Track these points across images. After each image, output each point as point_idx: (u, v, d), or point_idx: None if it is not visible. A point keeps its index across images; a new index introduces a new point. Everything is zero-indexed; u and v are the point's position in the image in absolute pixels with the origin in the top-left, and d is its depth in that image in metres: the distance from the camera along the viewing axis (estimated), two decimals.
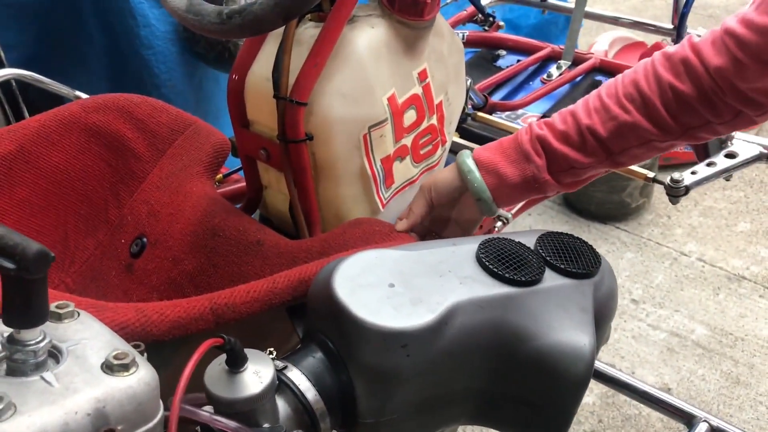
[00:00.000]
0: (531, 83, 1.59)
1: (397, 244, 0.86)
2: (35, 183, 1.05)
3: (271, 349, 0.63)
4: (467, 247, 0.70)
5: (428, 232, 0.94)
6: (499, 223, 1.13)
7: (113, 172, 1.10)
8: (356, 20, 0.96)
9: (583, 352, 0.64)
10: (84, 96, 1.43)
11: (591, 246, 0.73)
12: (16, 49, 1.70)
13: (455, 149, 1.31)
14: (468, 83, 1.30)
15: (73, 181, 1.08)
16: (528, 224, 2.35)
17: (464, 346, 0.64)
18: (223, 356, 0.57)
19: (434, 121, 1.07)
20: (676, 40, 1.57)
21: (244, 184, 1.11)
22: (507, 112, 1.45)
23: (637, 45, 2.55)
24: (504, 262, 0.68)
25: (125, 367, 0.44)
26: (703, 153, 1.20)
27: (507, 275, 0.67)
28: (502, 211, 1.13)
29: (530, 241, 0.73)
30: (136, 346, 0.50)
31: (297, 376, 0.62)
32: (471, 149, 0.89)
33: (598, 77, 1.57)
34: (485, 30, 1.74)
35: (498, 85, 1.57)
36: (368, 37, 0.95)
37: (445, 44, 1.07)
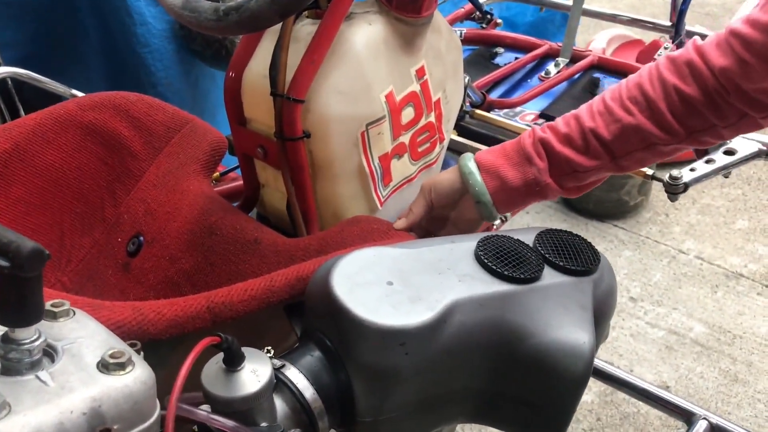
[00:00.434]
0: (529, 81, 1.58)
1: (395, 242, 0.86)
2: (31, 181, 1.04)
3: (269, 347, 0.63)
4: (466, 245, 0.70)
5: (427, 233, 0.94)
6: (497, 221, 1.12)
7: (109, 170, 1.10)
8: (353, 17, 0.95)
9: (582, 350, 0.64)
10: (80, 94, 1.43)
11: (590, 243, 0.73)
12: (13, 47, 1.69)
13: (453, 147, 1.31)
14: (466, 81, 1.30)
15: (69, 180, 1.07)
16: (526, 222, 2.35)
17: (463, 344, 0.63)
18: (220, 355, 0.56)
19: (432, 118, 1.07)
20: (674, 37, 1.57)
21: (241, 182, 1.10)
22: (505, 110, 1.45)
23: (634, 43, 2.54)
24: (503, 259, 0.68)
25: (121, 366, 0.44)
26: (702, 150, 1.20)
27: (506, 273, 0.66)
28: None
29: (529, 239, 0.72)
30: (132, 345, 0.49)
31: (295, 375, 0.61)
32: (473, 150, 0.89)
33: (596, 75, 1.57)
34: (483, 27, 1.74)
35: (496, 83, 1.57)
36: (366, 34, 0.94)
37: (443, 41, 1.07)
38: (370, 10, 0.97)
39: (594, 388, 1.78)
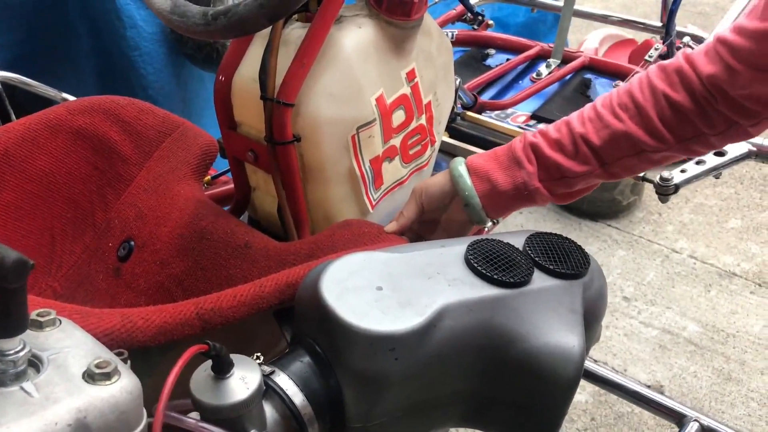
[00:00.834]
0: (520, 82, 1.58)
1: (386, 245, 0.86)
2: (21, 187, 1.04)
3: (258, 353, 0.63)
4: (456, 249, 0.70)
5: (418, 237, 0.94)
6: (489, 223, 1.12)
7: (100, 175, 1.09)
8: (343, 20, 0.95)
9: (572, 354, 0.64)
10: (71, 98, 1.42)
11: (580, 246, 0.73)
12: (3, 50, 1.68)
13: (445, 149, 1.31)
14: (457, 83, 1.30)
15: (59, 185, 1.07)
16: (519, 223, 2.35)
17: (453, 348, 0.63)
18: (209, 362, 0.56)
19: (423, 121, 1.07)
20: (665, 37, 1.57)
21: (232, 185, 1.10)
22: (496, 112, 1.45)
23: (627, 42, 2.54)
24: (492, 263, 0.68)
25: (107, 376, 0.43)
26: None
27: (495, 277, 0.66)
28: None
29: (519, 242, 0.72)
30: (119, 354, 0.49)
31: (284, 381, 0.61)
32: (465, 152, 0.89)
33: (588, 75, 1.57)
34: (474, 29, 1.74)
35: (487, 84, 1.57)
36: (355, 37, 0.94)
37: (434, 44, 1.07)
38: (360, 14, 0.97)
39: (588, 388, 1.78)
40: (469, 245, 0.70)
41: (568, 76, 1.57)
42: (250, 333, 0.75)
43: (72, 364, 0.44)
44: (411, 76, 1.02)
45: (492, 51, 1.69)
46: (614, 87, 1.52)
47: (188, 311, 0.65)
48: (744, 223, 2.33)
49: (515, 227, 2.33)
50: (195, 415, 0.57)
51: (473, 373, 0.66)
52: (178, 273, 0.95)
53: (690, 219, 2.35)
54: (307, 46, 0.90)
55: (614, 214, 2.34)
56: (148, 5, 0.90)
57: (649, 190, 2.37)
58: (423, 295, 0.63)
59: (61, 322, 0.48)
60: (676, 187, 1.11)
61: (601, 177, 0.84)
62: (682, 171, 1.12)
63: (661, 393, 1.78)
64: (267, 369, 0.62)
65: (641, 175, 1.23)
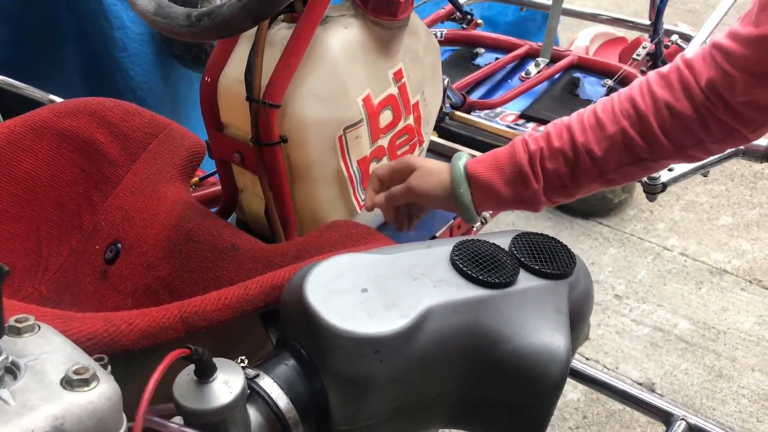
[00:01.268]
0: (509, 81, 1.58)
1: (374, 246, 0.85)
2: (6, 190, 1.03)
3: (243, 357, 0.62)
4: (442, 250, 0.70)
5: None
6: (477, 223, 1.12)
7: (86, 177, 1.09)
8: (329, 21, 0.95)
9: (557, 354, 0.64)
10: (58, 100, 1.41)
11: (566, 246, 0.73)
12: None
13: (434, 149, 1.30)
14: (445, 82, 1.29)
15: (45, 187, 1.06)
16: (511, 221, 2.35)
17: (438, 350, 0.63)
18: (193, 366, 0.56)
19: (411, 121, 1.07)
20: (653, 35, 1.57)
21: (220, 187, 1.10)
22: (485, 111, 1.45)
23: (617, 40, 2.54)
24: (478, 264, 0.67)
25: (85, 382, 0.43)
26: None
27: (481, 277, 0.66)
28: None
29: (505, 243, 0.72)
30: (99, 359, 0.48)
31: (269, 385, 0.61)
32: (452, 152, 0.88)
33: (576, 74, 1.57)
34: (463, 28, 1.73)
35: (476, 84, 1.57)
36: (342, 38, 0.94)
37: (421, 44, 1.07)
38: (346, 14, 0.96)
39: (580, 387, 1.79)
40: (454, 246, 0.69)
41: (556, 75, 1.57)
42: (236, 336, 0.75)
43: (50, 371, 0.44)
44: (398, 76, 1.02)
45: (481, 50, 1.69)
46: (603, 86, 1.53)
47: (172, 315, 0.65)
48: (734, 220, 2.34)
49: (507, 226, 2.33)
50: (178, 419, 0.56)
51: (459, 375, 0.65)
52: (164, 275, 0.94)
53: (681, 216, 2.36)
54: (293, 46, 0.89)
55: (606, 212, 2.34)
56: (132, 7, 0.89)
57: (640, 188, 2.37)
58: (408, 297, 0.63)
59: (40, 328, 0.48)
60: (664, 186, 1.11)
61: (600, 185, 0.84)
62: (670, 170, 1.12)
63: (653, 391, 1.78)
64: (251, 372, 0.61)
65: None
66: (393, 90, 1.01)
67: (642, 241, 2.26)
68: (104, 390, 0.43)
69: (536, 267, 0.69)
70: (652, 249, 2.23)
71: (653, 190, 1.12)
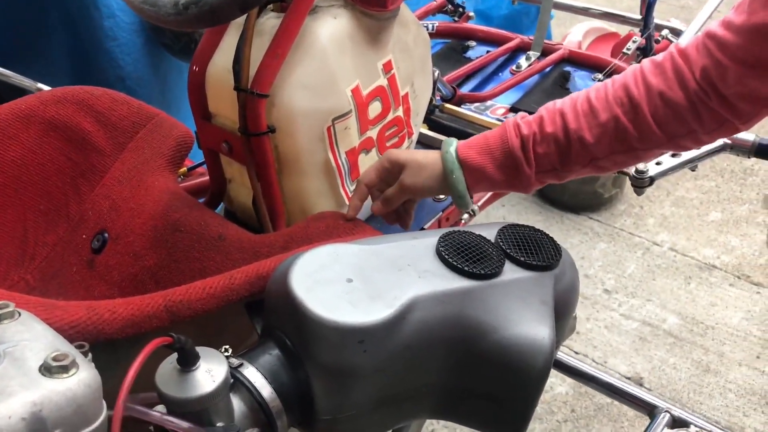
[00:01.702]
0: (500, 74, 1.58)
1: (360, 237, 0.85)
2: None
3: (227, 346, 0.62)
4: (427, 241, 0.70)
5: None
6: (465, 216, 1.12)
7: (73, 166, 1.08)
8: (318, 11, 0.94)
9: (542, 345, 0.64)
10: (47, 88, 1.40)
11: (552, 238, 0.73)
12: None
13: (423, 141, 1.30)
14: (436, 75, 1.29)
15: (31, 176, 1.05)
16: (501, 215, 2.35)
17: (423, 340, 0.63)
18: (176, 354, 0.56)
19: (400, 113, 1.06)
20: (643, 30, 1.58)
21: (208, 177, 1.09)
22: (476, 104, 1.44)
23: (610, 36, 2.54)
24: (463, 255, 0.67)
25: (64, 369, 0.43)
26: None
27: (466, 268, 0.66)
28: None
29: (491, 234, 0.72)
30: (80, 347, 0.48)
31: (253, 374, 0.61)
32: (454, 142, 0.87)
33: (567, 68, 1.56)
34: (455, 21, 1.73)
35: (467, 77, 1.56)
36: (331, 28, 0.93)
37: (411, 35, 1.06)
38: (335, 4, 0.96)
39: (568, 380, 1.79)
40: (440, 237, 0.69)
41: (547, 69, 1.57)
42: (222, 325, 0.75)
43: (29, 357, 0.44)
44: (388, 67, 1.02)
45: (472, 43, 1.69)
46: (593, 80, 1.53)
47: (156, 303, 0.65)
48: (724, 216, 2.34)
49: (497, 219, 2.34)
50: (161, 408, 0.56)
51: (444, 365, 0.66)
52: (151, 265, 0.94)
53: (671, 212, 2.36)
54: (282, 36, 0.89)
55: (596, 206, 2.34)
56: None
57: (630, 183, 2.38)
58: (393, 288, 0.63)
59: (20, 315, 0.48)
60: (651, 180, 1.12)
61: (590, 170, 0.84)
62: (658, 163, 1.12)
63: (640, 385, 1.78)
64: (235, 362, 0.61)
65: None
66: (382, 81, 1.01)
67: (632, 236, 2.27)
68: (83, 377, 0.43)
69: (522, 258, 0.69)
70: (642, 244, 2.24)
71: (641, 184, 1.12)
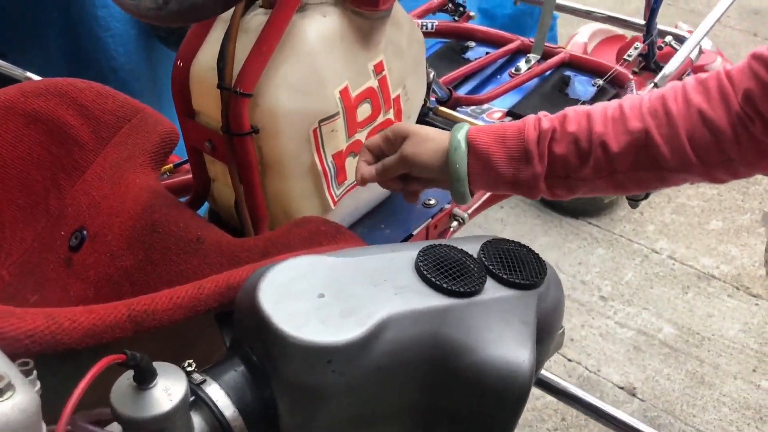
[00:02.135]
0: (499, 77, 1.54)
1: (342, 245, 0.83)
2: None
3: (191, 360, 0.59)
4: (407, 255, 0.67)
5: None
6: (454, 223, 1.09)
7: (54, 160, 1.05)
8: (307, 8, 0.91)
9: (521, 369, 0.61)
10: (36, 78, 1.38)
11: (538, 255, 0.70)
12: None
13: None
14: (431, 76, 1.26)
15: (10, 170, 1.03)
16: (500, 217, 2.32)
17: (397, 361, 0.60)
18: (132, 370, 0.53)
19: (391, 115, 1.03)
20: (646, 36, 1.54)
21: None
22: (472, 107, 1.41)
23: (617, 38, 2.50)
24: (443, 271, 0.64)
25: None
26: None
27: (445, 285, 0.63)
28: (458, 211, 1.09)
29: (474, 249, 0.69)
30: (24, 364, 0.45)
31: (215, 392, 0.58)
32: (467, 125, 0.80)
33: (567, 72, 1.53)
34: (455, 20, 1.70)
35: (465, 78, 1.53)
36: (319, 27, 0.91)
37: (404, 35, 1.03)
38: (325, 2, 0.93)
39: None
40: (420, 251, 0.66)
41: (547, 73, 1.53)
42: (191, 337, 0.72)
43: None
44: (378, 68, 0.99)
45: (472, 44, 1.65)
46: (593, 85, 1.50)
47: (120, 313, 0.62)
48: (725, 225, 2.31)
49: (495, 221, 2.31)
50: (116, 426, 0.53)
51: (419, 386, 0.63)
52: (128, 266, 0.91)
53: (671, 219, 2.33)
54: (268, 33, 0.86)
55: (596, 211, 2.31)
56: None
57: None
58: (367, 304, 0.60)
59: None
60: (647, 194, 1.08)
61: (607, 186, 0.77)
62: None
63: (633, 395, 1.75)
64: (198, 378, 0.58)
65: None
66: (372, 83, 0.98)
67: (631, 243, 2.24)
68: (19, 401, 0.40)
69: (504, 276, 0.66)
70: (641, 251, 2.21)
71: (636, 197, 1.09)
